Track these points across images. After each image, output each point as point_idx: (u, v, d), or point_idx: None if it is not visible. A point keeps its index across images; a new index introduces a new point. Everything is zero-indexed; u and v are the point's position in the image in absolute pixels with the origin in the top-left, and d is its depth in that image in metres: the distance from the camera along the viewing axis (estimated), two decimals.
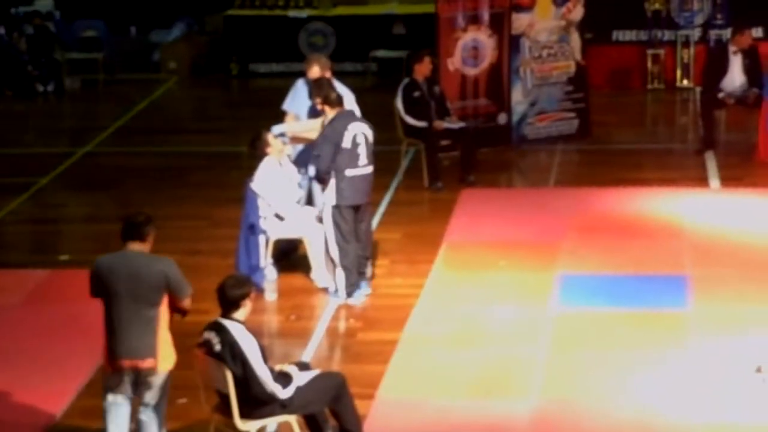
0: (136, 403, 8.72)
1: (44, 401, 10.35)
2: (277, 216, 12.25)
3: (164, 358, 8.85)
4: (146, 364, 8.88)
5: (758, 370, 11.21)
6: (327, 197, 11.88)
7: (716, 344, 10.88)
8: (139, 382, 9.00)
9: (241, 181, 12.51)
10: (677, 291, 12.15)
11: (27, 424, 10.09)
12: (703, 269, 12.73)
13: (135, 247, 8.95)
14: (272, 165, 12.28)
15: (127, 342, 8.83)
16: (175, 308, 9.03)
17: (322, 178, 11.71)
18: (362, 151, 11.94)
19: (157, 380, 9.01)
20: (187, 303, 9.03)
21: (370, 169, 12.07)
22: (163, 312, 8.88)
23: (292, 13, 20.09)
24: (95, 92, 19.84)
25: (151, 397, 9.03)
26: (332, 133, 11.69)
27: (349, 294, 11.88)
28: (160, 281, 8.80)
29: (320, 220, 12.12)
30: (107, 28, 21.59)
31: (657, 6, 19.48)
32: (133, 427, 9.06)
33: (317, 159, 11.70)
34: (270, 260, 12.27)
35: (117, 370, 8.92)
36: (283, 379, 8.88)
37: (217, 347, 8.61)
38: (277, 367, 9.03)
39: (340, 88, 12.82)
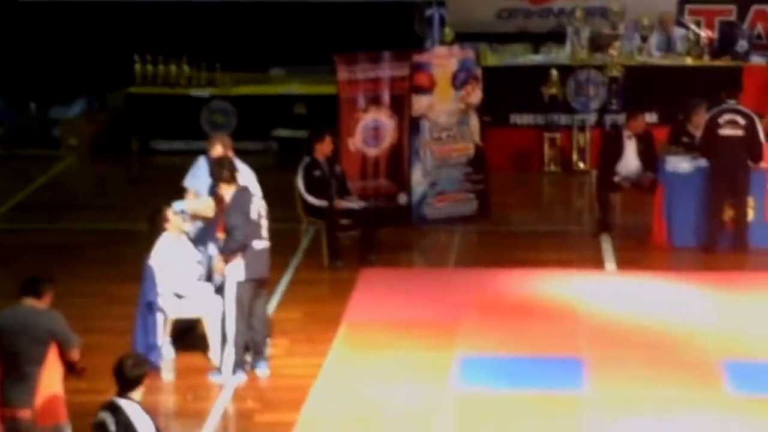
0: None
1: None
2: (176, 294, 12.16)
3: (47, 413, 8.86)
4: (23, 414, 8.85)
5: None
6: (233, 272, 11.75)
7: (612, 426, 10.94)
8: None
9: (138, 258, 12.47)
10: (574, 373, 12.14)
11: None
12: (599, 351, 12.80)
13: (28, 302, 8.99)
14: (171, 241, 12.23)
15: (4, 394, 8.85)
16: (66, 364, 9.01)
17: (237, 250, 11.59)
18: (264, 224, 12.02)
19: None
20: (75, 354, 9.02)
21: (267, 243, 12.06)
22: (51, 369, 8.87)
23: (194, 91, 20.08)
24: None
25: None
26: (240, 204, 11.68)
27: (234, 372, 11.80)
28: (45, 336, 8.81)
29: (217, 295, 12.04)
30: (6, 103, 21.41)
31: (553, 91, 19.65)
32: None
33: (235, 230, 11.60)
34: (167, 339, 12.17)
35: (4, 424, 8.95)
36: None
37: (112, 428, 8.54)
38: None
39: (241, 166, 12.81)
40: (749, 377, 11.96)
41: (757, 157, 15.70)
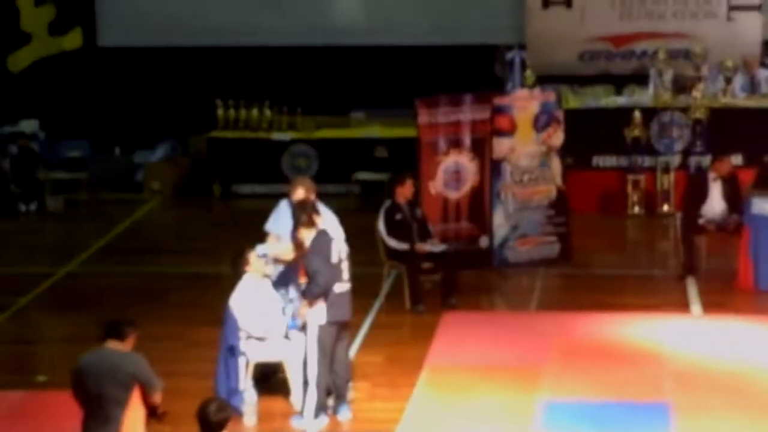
0: None
1: None
2: (258, 337, 12.13)
3: None
4: None
5: None
6: (314, 315, 11.71)
7: None
8: None
9: (221, 301, 12.38)
10: (660, 418, 11.96)
11: None
12: (685, 396, 12.56)
13: (111, 345, 9.02)
14: (253, 284, 12.20)
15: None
16: (149, 408, 9.02)
17: (319, 296, 11.54)
18: (344, 267, 11.89)
19: None
20: (157, 398, 9.02)
21: (349, 285, 11.98)
22: (134, 412, 8.90)
23: (275, 135, 20.11)
24: (78, 212, 19.81)
25: None
26: (321, 248, 11.60)
27: (316, 416, 11.69)
28: (128, 379, 8.85)
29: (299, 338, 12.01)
30: (91, 148, 21.51)
31: (636, 133, 19.50)
32: None
33: (317, 275, 11.45)
34: (250, 383, 12.12)
35: None
36: None
37: None
38: None
39: (324, 210, 12.79)
40: None
41: None
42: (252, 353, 12.20)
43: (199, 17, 21.78)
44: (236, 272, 12.17)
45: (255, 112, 20.51)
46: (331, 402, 12.08)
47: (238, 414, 10.76)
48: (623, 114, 19.85)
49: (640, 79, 20.61)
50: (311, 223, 11.80)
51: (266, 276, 12.51)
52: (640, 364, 13.57)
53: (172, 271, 16.49)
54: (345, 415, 12.05)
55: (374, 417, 12.16)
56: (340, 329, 11.96)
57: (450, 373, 13.36)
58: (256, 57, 21.47)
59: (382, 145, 19.52)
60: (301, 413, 11.90)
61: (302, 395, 12.05)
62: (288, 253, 12.71)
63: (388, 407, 12.31)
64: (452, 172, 16.67)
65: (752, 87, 20.10)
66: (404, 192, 15.64)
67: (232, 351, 12.06)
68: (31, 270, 16.82)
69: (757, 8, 21.01)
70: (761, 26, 21.02)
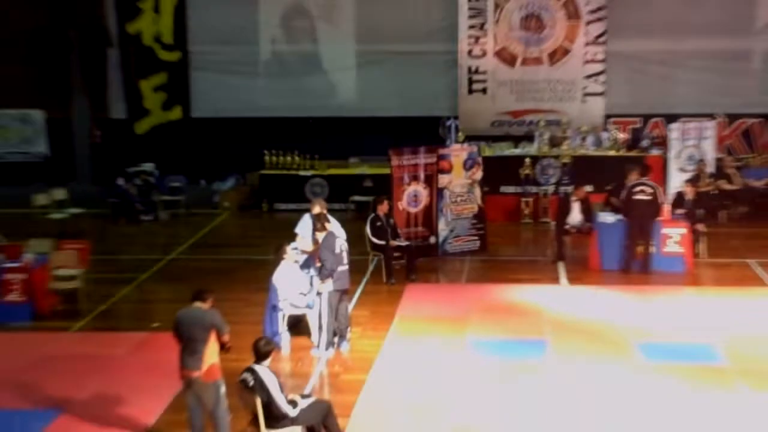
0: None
1: (140, 414, 10.23)
2: (290, 301, 12.23)
3: (209, 373, 9.14)
4: (197, 374, 9.12)
5: None
6: (326, 286, 12.02)
7: (565, 381, 11.03)
8: (196, 390, 9.21)
9: (266, 278, 12.56)
10: (539, 348, 12.19)
11: (125, 427, 9.92)
12: (556, 335, 12.76)
13: (197, 304, 9.38)
14: (287, 267, 12.41)
15: (185, 362, 9.19)
16: (221, 344, 9.32)
17: (329, 275, 11.80)
18: (345, 255, 12.27)
19: (207, 391, 9.25)
20: (226, 338, 9.35)
21: (347, 266, 12.25)
22: (212, 345, 9.22)
23: (301, 172, 20.02)
24: (178, 221, 19.69)
25: (208, 403, 9.24)
26: (329, 244, 11.95)
27: (326, 348, 12.09)
28: (208, 325, 9.19)
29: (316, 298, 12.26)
30: (187, 180, 21.48)
31: (527, 172, 19.55)
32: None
33: (326, 262, 11.96)
34: (285, 328, 12.21)
35: (183, 380, 9.24)
36: (293, 403, 8.84)
37: (251, 383, 8.62)
38: (289, 396, 8.95)
39: (332, 219, 13.21)
40: (654, 351, 11.89)
41: (658, 214, 15.61)
42: (286, 309, 12.41)
43: (253, 100, 21.86)
44: (277, 259, 12.50)
45: (289, 157, 20.48)
46: (336, 340, 12.38)
47: (278, 347, 10.91)
48: (519, 160, 19.89)
49: (529, 137, 20.60)
50: (323, 228, 12.29)
51: (296, 262, 12.88)
52: (529, 315, 13.91)
53: (236, 258, 16.67)
54: (345, 348, 12.45)
55: (364, 349, 12.47)
56: (342, 294, 12.35)
57: (411, 321, 13.70)
58: (289, 124, 21.48)
59: (369, 178, 19.55)
60: (317, 346, 12.23)
61: (318, 335, 12.27)
62: (309, 247, 13.12)
63: (372, 343, 12.64)
64: (413, 196, 16.82)
65: (598, 143, 20.14)
66: (382, 208, 15.86)
67: (274, 308, 12.47)
68: (148, 256, 16.94)
69: (601, 94, 21.09)
70: (603, 106, 21.15)
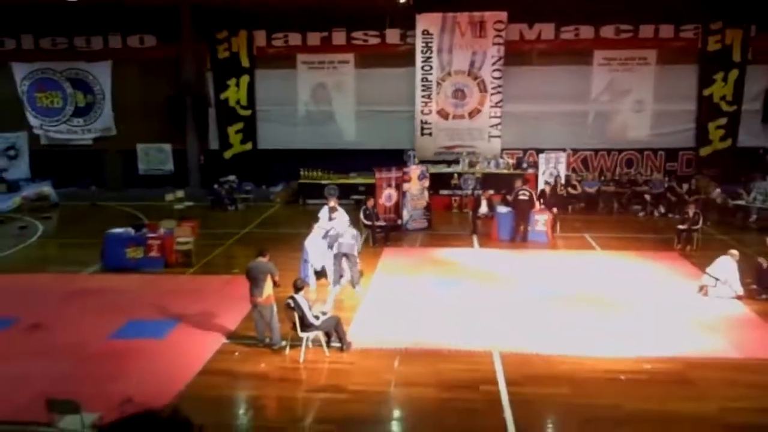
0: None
1: (226, 323, 10.33)
2: (315, 256, 12.29)
3: (267, 300, 9.41)
4: (260, 300, 9.38)
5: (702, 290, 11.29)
6: (335, 250, 12.11)
7: (476, 301, 10.88)
8: (259, 309, 9.42)
9: (301, 242, 12.62)
10: (460, 282, 12.21)
11: (219, 331, 10.06)
12: (472, 276, 12.95)
13: (260, 258, 9.59)
14: (313, 236, 12.43)
15: (252, 293, 9.39)
16: (274, 281, 9.43)
17: (331, 243, 12.17)
18: (347, 232, 12.33)
19: (266, 310, 9.51)
20: (277, 278, 9.51)
21: (348, 240, 12.19)
22: (269, 282, 9.39)
23: (323, 181, 19.87)
24: (249, 211, 19.51)
25: (266, 316, 9.49)
26: (341, 225, 12.19)
27: (335, 285, 12.08)
28: (267, 271, 9.39)
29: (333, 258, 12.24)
30: (254, 185, 21.40)
31: (456, 181, 19.59)
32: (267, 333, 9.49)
33: (335, 236, 12.17)
34: (312, 273, 12.28)
35: (251, 303, 9.46)
36: (317, 318, 8.98)
37: (292, 304, 8.71)
38: (314, 312, 9.04)
39: (340, 209, 13.19)
40: (526, 287, 11.94)
41: (533, 207, 15.71)
42: (313, 262, 12.38)
43: (293, 139, 21.61)
44: (309, 232, 12.39)
45: (314, 172, 20.34)
46: (342, 281, 12.33)
47: (307, 284, 11.03)
48: (450, 175, 19.81)
49: (456, 162, 20.36)
50: (334, 211, 12.56)
51: (319, 234, 12.67)
52: (456, 264, 13.89)
53: (283, 232, 16.41)
54: (357, 289, 12.19)
55: (362, 284, 12.25)
56: (344, 255, 12.16)
57: (387, 268, 13.72)
58: (315, 153, 21.20)
59: (363, 186, 19.48)
60: (333, 284, 12.19)
61: (333, 279, 12.23)
62: (326, 226, 12.93)
63: (364, 280, 12.49)
64: (388, 196, 16.91)
65: (497, 165, 20.16)
66: (370, 203, 16.01)
67: (306, 262, 12.29)
68: (231, 231, 16.92)
69: (499, 136, 20.95)
70: (500, 143, 20.94)
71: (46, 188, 20.81)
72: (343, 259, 12.14)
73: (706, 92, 20.45)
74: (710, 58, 20.25)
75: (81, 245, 15.51)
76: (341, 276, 12.23)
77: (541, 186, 18.46)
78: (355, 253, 12.30)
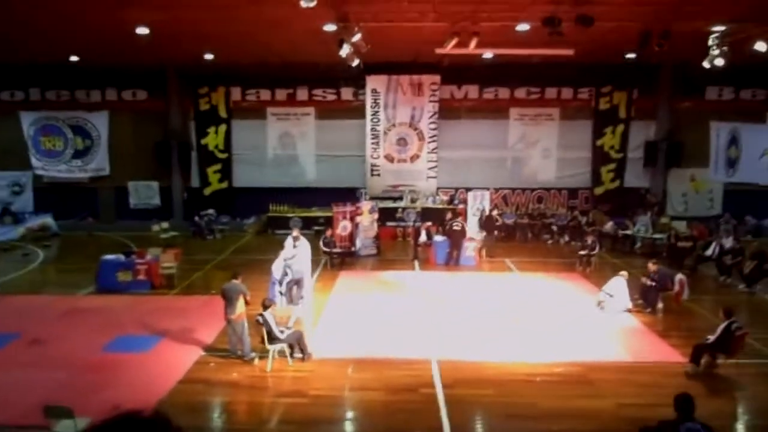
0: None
1: (204, 338, 10.02)
2: (282, 277, 12.00)
3: (239, 317, 9.14)
4: (233, 317, 9.13)
5: (599, 304, 11.22)
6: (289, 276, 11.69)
7: (412, 308, 10.67)
8: (232, 325, 9.18)
9: (269, 267, 12.22)
10: (402, 298, 11.83)
11: (197, 345, 9.74)
12: (413, 295, 12.76)
13: (234, 280, 9.33)
14: (278, 261, 12.06)
15: (227, 311, 9.12)
16: (245, 301, 9.18)
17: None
18: (307, 256, 12.20)
19: (238, 326, 9.25)
20: (248, 298, 9.24)
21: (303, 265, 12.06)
22: (241, 301, 9.16)
23: (289, 214, 19.69)
24: (226, 239, 19.14)
25: (238, 332, 9.23)
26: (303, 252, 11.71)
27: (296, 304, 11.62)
28: (239, 291, 9.13)
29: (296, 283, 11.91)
30: (230, 217, 20.97)
31: (400, 215, 19.61)
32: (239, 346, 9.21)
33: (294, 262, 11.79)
34: (279, 295, 11.91)
35: (226, 320, 9.20)
36: (282, 332, 8.72)
37: (261, 320, 8.49)
38: (279, 327, 8.82)
39: (302, 238, 12.84)
40: (465, 303, 11.85)
41: (464, 236, 15.83)
42: (277, 275, 11.96)
43: (264, 178, 21.24)
44: (276, 258, 12.08)
45: (282, 207, 20.12)
46: (301, 302, 11.90)
47: (274, 303, 10.47)
48: (395, 209, 19.76)
49: (400, 198, 20.31)
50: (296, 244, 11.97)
51: (286, 259, 12.33)
52: (399, 285, 13.73)
53: (254, 257, 16.06)
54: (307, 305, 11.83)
55: (319, 301, 12.09)
56: (298, 282, 11.78)
57: (343, 287, 13.47)
58: (282, 191, 20.72)
59: (323, 217, 19.27)
60: (294, 303, 11.75)
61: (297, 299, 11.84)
62: (290, 253, 12.55)
63: (323, 297, 12.29)
64: (343, 227, 16.69)
65: (434, 201, 20.21)
66: (328, 233, 15.76)
67: (273, 283, 12.00)
68: (209, 257, 16.52)
69: (435, 177, 20.96)
70: (436, 183, 20.89)
71: (48, 220, 20.11)
72: (295, 285, 11.90)
73: (599, 142, 21.02)
74: (602, 115, 20.87)
75: (78, 270, 14.92)
76: (301, 297, 11.98)
77: (471, 219, 18.56)
78: (304, 278, 11.96)
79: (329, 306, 11.96)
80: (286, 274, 11.78)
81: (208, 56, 18.09)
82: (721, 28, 12.20)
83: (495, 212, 19.46)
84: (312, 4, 7.28)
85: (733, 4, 10.74)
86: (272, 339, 8.79)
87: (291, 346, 9.06)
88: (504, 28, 12.52)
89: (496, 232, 18.45)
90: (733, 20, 11.68)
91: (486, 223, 17.65)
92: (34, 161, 21.39)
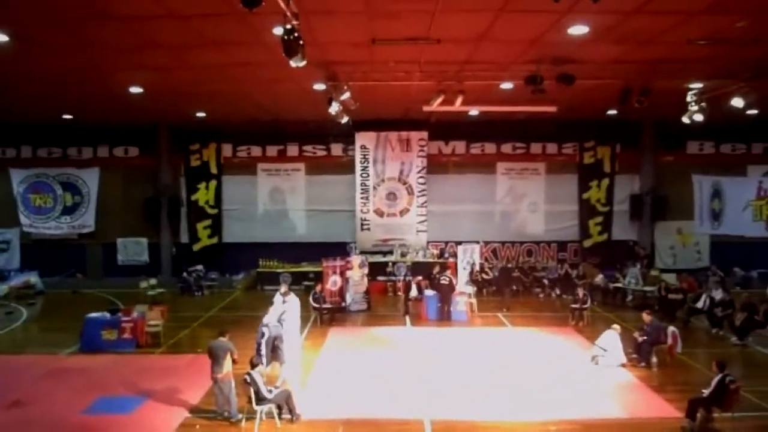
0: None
1: (189, 398, 9.69)
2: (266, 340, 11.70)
3: (226, 376, 8.91)
4: (220, 376, 8.92)
5: (593, 359, 11.04)
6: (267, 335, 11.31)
7: (408, 365, 10.41)
8: (219, 384, 8.92)
9: (257, 324, 11.85)
10: (396, 355, 11.62)
11: (182, 406, 9.41)
12: (407, 350, 12.48)
13: (221, 338, 9.17)
14: (268, 319, 11.76)
15: (213, 369, 8.93)
16: (233, 360, 9.00)
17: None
18: (297, 313, 11.98)
19: (225, 385, 9.00)
20: (236, 357, 9.07)
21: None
22: (228, 360, 8.96)
23: (278, 270, 19.51)
24: (214, 297, 18.88)
25: (225, 391, 8.96)
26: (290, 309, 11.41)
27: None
28: (227, 349, 8.95)
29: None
30: (219, 273, 20.72)
31: (390, 269, 19.65)
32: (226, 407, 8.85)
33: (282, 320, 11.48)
34: (265, 353, 11.54)
35: (212, 380, 8.96)
36: (270, 391, 8.48)
37: (248, 379, 8.24)
38: (268, 387, 8.58)
39: (292, 294, 12.56)
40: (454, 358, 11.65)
41: (453, 291, 15.66)
42: (266, 341, 11.68)
43: (254, 234, 21.19)
44: (264, 315, 11.78)
45: (271, 262, 19.98)
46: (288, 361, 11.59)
47: (261, 363, 10.35)
48: (385, 263, 19.81)
49: (390, 252, 20.43)
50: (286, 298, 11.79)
51: (276, 316, 12.05)
52: (390, 342, 13.47)
53: (243, 314, 15.86)
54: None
55: (309, 357, 11.86)
56: (277, 339, 11.28)
57: (333, 344, 13.22)
58: (272, 246, 20.69)
59: (313, 273, 19.09)
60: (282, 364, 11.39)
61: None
62: (279, 310, 12.19)
63: (313, 354, 12.00)
64: (333, 281, 16.56)
65: (424, 255, 20.19)
66: (317, 288, 15.54)
67: (260, 342, 11.55)
68: (197, 314, 16.22)
69: (425, 231, 20.99)
70: (426, 237, 20.92)
71: (33, 278, 19.79)
72: (275, 342, 11.57)
73: (585, 196, 21.24)
74: (586, 169, 21.16)
75: (61, 329, 14.55)
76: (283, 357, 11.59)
77: (461, 272, 18.51)
78: (282, 334, 11.50)
79: (319, 364, 11.71)
80: (263, 334, 11.46)
81: (200, 114, 18.37)
82: (698, 85, 12.59)
83: (485, 265, 19.46)
84: (302, 64, 7.42)
85: (709, 62, 11.10)
86: (260, 399, 8.54)
87: (279, 407, 8.79)
88: (488, 86, 12.86)
89: (485, 288, 18.51)
90: (710, 77, 12.05)
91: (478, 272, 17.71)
92: (22, 218, 21.27)
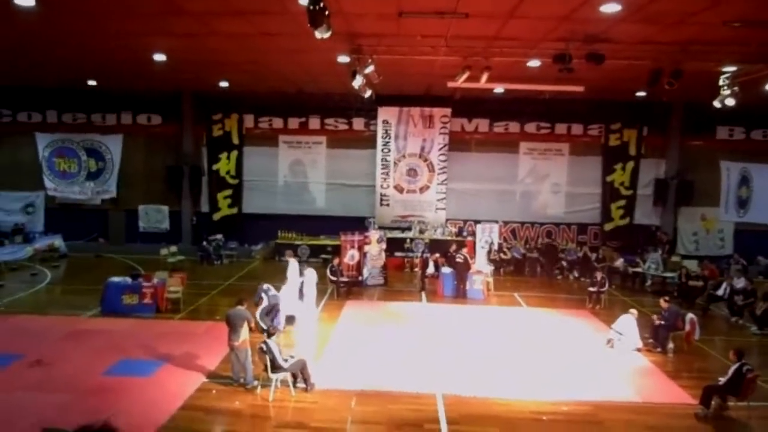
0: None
1: (207, 364, 9.91)
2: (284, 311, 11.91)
3: (243, 344, 9.05)
4: (236, 344, 9.04)
5: (609, 343, 11.07)
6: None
7: (419, 339, 10.48)
8: (236, 352, 9.09)
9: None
10: (412, 328, 11.69)
11: (200, 371, 9.64)
12: (424, 323, 12.55)
13: (238, 306, 9.24)
14: (285, 288, 11.94)
15: (230, 337, 9.04)
16: (249, 327, 9.12)
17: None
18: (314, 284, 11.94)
19: (241, 353, 9.12)
20: (253, 325, 9.26)
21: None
22: (245, 328, 9.06)
23: (297, 242, 19.75)
24: (233, 265, 19.15)
25: (241, 358, 9.09)
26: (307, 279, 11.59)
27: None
28: (244, 317, 9.05)
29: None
30: (238, 243, 20.98)
31: (408, 245, 19.56)
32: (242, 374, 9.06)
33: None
34: (284, 320, 11.82)
35: (229, 347, 9.08)
36: (285, 360, 8.66)
37: (264, 348, 8.38)
38: (283, 355, 8.74)
39: (309, 268, 12.68)
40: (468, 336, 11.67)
41: (469, 269, 15.69)
42: (285, 309, 11.89)
43: (274, 205, 21.43)
44: (283, 285, 11.96)
45: (290, 234, 20.24)
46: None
47: (278, 330, 10.54)
48: (404, 239, 19.75)
49: (409, 228, 20.39)
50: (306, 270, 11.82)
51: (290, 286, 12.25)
52: (405, 317, 13.51)
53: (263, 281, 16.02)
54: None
55: (326, 329, 12.03)
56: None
57: (349, 317, 13.35)
58: (291, 218, 20.93)
59: (330, 246, 19.24)
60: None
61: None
62: (297, 281, 12.41)
63: (329, 326, 12.24)
64: (350, 255, 16.64)
65: (443, 233, 20.22)
66: (335, 261, 15.62)
67: (277, 311, 11.78)
68: (215, 282, 16.46)
69: (444, 209, 21.00)
70: (445, 214, 20.99)
71: (57, 241, 20.20)
72: (273, 310, 11.76)
73: (609, 179, 20.99)
74: (611, 151, 20.89)
75: (84, 291, 14.92)
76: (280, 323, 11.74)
77: (479, 251, 18.49)
78: (278, 303, 11.66)
79: (334, 336, 11.83)
80: (261, 299, 11.49)
81: (223, 83, 18.40)
82: (732, 68, 12.26)
83: (504, 245, 19.43)
84: (326, 36, 7.36)
85: (744, 45, 10.80)
86: (275, 368, 8.69)
87: (294, 376, 8.94)
88: (515, 63, 12.66)
89: (502, 268, 18.53)
90: (744, 61, 11.74)
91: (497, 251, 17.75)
92: (47, 182, 21.67)
